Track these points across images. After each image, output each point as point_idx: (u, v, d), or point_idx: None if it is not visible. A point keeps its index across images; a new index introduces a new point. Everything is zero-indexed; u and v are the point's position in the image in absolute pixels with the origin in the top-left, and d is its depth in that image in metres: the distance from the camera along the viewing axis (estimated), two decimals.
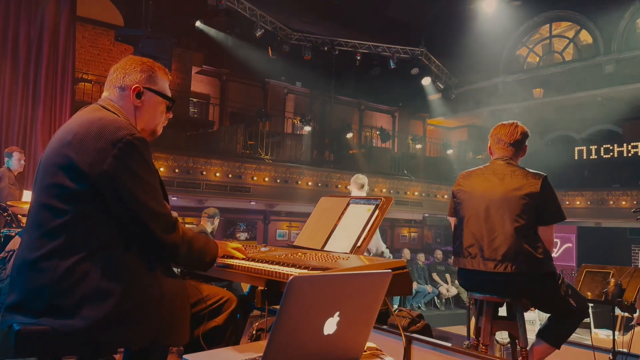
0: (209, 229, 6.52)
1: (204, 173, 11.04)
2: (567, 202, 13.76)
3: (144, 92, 1.80)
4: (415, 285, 11.67)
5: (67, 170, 1.59)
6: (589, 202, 13.88)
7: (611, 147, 13.53)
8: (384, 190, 14.03)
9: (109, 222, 1.59)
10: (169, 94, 1.90)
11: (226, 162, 11.37)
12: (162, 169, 10.36)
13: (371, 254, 5.14)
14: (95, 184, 1.57)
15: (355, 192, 5.29)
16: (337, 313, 1.27)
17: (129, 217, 1.60)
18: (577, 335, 4.22)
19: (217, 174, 11.21)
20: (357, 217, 2.19)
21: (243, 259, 1.91)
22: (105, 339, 1.55)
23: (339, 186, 13.02)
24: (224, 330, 1.80)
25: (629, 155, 13.18)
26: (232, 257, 1.91)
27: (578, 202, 13.95)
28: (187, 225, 12.26)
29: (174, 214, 6.82)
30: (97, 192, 1.57)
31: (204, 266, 1.82)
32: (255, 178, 11.81)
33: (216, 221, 6.66)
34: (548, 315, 2.99)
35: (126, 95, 1.79)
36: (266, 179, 11.98)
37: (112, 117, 1.68)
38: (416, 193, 14.85)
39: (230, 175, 11.42)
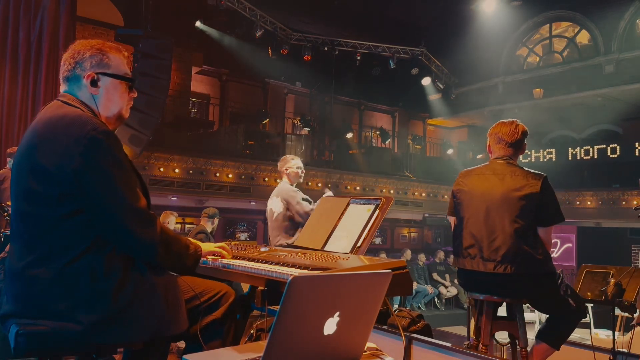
0: (208, 228, 6.51)
1: (204, 173, 11.04)
2: (568, 202, 13.76)
3: (99, 78, 1.71)
4: (415, 285, 11.67)
5: (37, 175, 1.54)
6: (589, 202, 13.88)
7: (611, 147, 13.51)
8: (384, 190, 14.03)
9: (89, 223, 1.55)
10: (127, 70, 1.78)
11: (226, 162, 11.36)
12: (162, 169, 10.35)
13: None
14: (67, 186, 1.52)
15: (284, 179, 4.57)
16: (337, 313, 1.26)
17: (103, 214, 1.55)
18: (577, 335, 4.21)
19: (217, 174, 11.20)
20: (357, 217, 2.18)
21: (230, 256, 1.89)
22: (105, 340, 1.54)
23: (339, 186, 13.01)
24: (222, 324, 1.79)
25: (629, 155, 13.16)
26: (219, 256, 1.89)
27: (578, 202, 13.95)
28: (187, 226, 12.23)
29: (174, 214, 6.74)
30: (69, 194, 1.53)
31: (185, 269, 1.75)
32: (255, 178, 11.80)
33: (216, 221, 6.66)
34: (547, 315, 2.99)
35: (82, 85, 1.71)
36: (266, 178, 11.97)
37: (74, 113, 1.62)
38: (416, 193, 14.84)
39: (230, 175, 11.42)
